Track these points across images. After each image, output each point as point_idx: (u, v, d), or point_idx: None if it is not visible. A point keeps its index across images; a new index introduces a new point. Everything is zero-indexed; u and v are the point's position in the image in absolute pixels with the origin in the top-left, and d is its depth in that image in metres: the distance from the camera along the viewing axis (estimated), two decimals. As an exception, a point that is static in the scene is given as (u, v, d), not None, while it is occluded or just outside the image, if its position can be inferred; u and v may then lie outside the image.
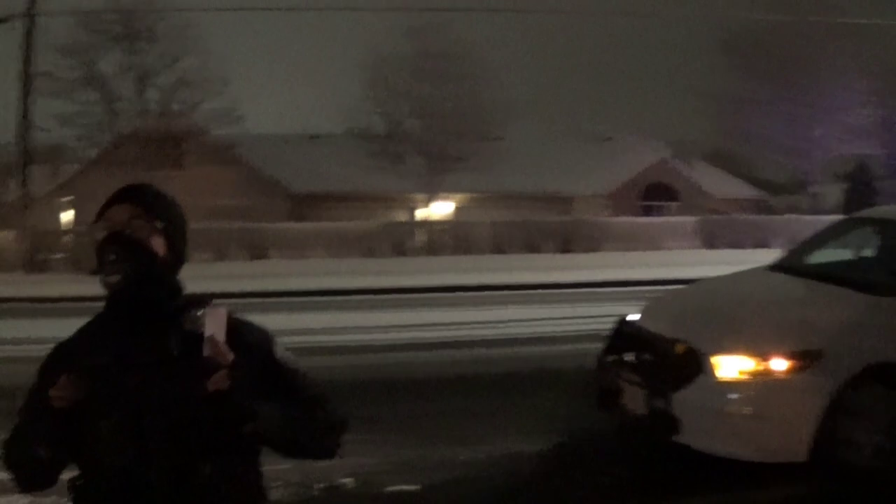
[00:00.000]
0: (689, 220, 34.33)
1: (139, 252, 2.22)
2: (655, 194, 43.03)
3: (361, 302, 19.56)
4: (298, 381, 2.38)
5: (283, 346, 2.42)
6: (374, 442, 7.27)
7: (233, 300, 19.18)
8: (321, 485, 6.13)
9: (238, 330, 2.28)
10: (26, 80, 26.92)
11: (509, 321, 14.87)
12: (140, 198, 2.32)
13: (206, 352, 2.10)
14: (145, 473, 2.13)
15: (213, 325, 2.15)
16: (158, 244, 2.27)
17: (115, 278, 2.20)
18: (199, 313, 2.20)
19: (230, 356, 2.11)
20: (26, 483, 2.35)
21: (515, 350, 11.79)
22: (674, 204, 42.59)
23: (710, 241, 32.59)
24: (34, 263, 25.97)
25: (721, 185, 45.29)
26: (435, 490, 6.14)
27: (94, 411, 2.12)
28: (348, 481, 6.24)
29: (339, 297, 20.50)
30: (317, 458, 2.50)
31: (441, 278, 23.06)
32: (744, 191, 47.07)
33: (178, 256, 2.36)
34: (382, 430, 7.62)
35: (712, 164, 49.76)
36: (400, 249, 30.83)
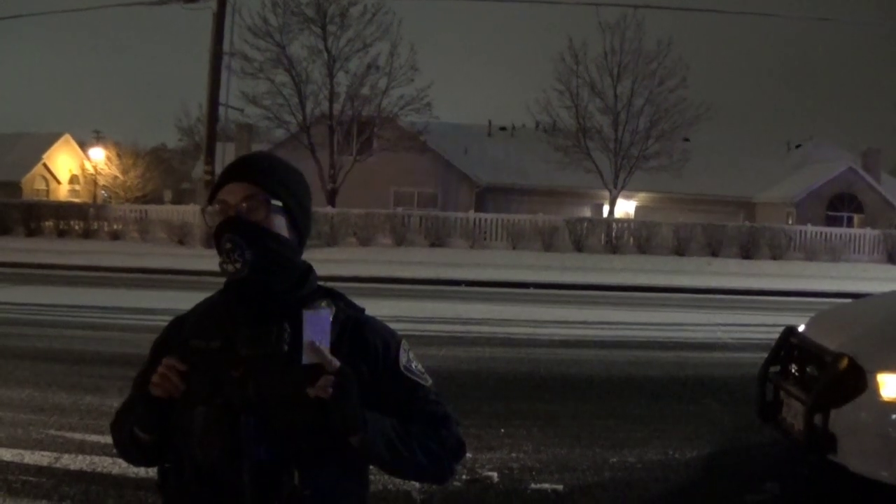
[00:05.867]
0: (873, 232, 32.86)
1: (257, 237, 2.02)
2: (841, 204, 41.24)
3: (537, 295, 19.54)
4: (420, 395, 2.15)
5: (411, 355, 2.19)
6: (526, 437, 7.27)
7: (404, 286, 19.68)
8: (465, 477, 6.12)
9: (360, 331, 2.12)
10: (216, 60, 27.60)
11: (681, 324, 14.56)
12: (254, 173, 2.09)
13: (306, 359, 1.92)
14: (233, 473, 1.96)
15: (314, 329, 1.94)
16: (279, 224, 2.07)
17: (233, 267, 2.01)
18: (306, 313, 1.97)
19: (335, 363, 1.93)
20: (127, 457, 2.27)
21: (682, 355, 11.48)
22: (858, 215, 40.77)
23: (894, 255, 31.28)
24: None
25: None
26: (579, 491, 6.02)
27: (191, 397, 1.99)
28: (493, 475, 6.20)
29: (515, 290, 20.57)
30: (427, 480, 2.29)
31: (619, 277, 22.93)
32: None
33: (301, 236, 2.16)
34: (535, 426, 7.61)
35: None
36: (580, 245, 30.61)
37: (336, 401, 1.91)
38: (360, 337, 2.11)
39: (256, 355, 2.01)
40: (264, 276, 2.03)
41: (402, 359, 2.15)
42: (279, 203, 2.08)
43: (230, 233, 2.02)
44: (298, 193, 2.15)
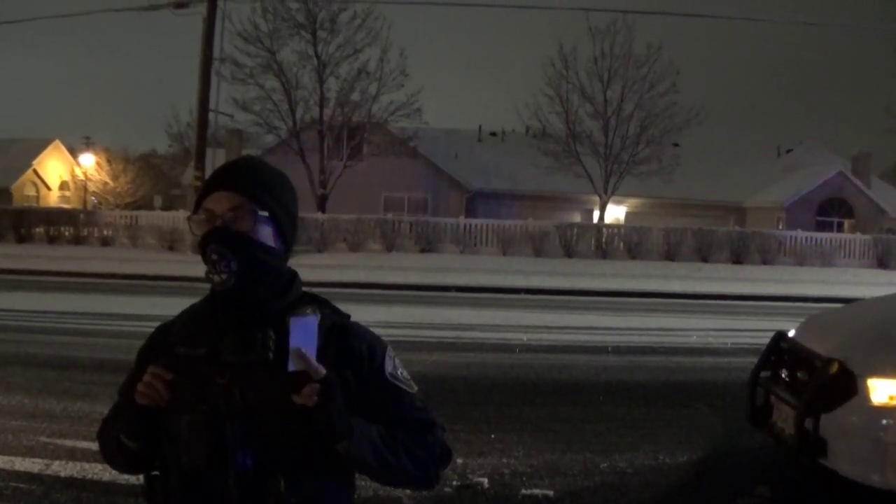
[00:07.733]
0: (863, 237, 32.86)
1: (244, 247, 2.00)
2: (831, 209, 41.39)
3: (527, 301, 19.54)
4: (406, 402, 2.14)
5: (396, 362, 2.18)
6: (516, 443, 7.26)
7: (395, 291, 19.66)
8: (455, 483, 6.13)
9: (346, 337, 2.10)
10: (206, 66, 27.36)
11: (671, 330, 14.58)
12: (241, 182, 2.05)
13: (292, 366, 1.90)
14: (219, 480, 1.95)
15: (300, 336, 1.92)
16: (265, 234, 2.04)
17: (219, 278, 1.99)
18: (292, 320, 1.95)
19: (321, 370, 1.91)
20: (114, 465, 2.23)
21: (672, 359, 11.50)
22: (848, 220, 40.90)
23: (885, 260, 31.28)
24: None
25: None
26: (569, 497, 6.02)
27: (177, 404, 1.97)
28: (483, 481, 6.19)
29: (505, 295, 20.57)
30: (413, 487, 2.28)
31: (609, 282, 22.93)
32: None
33: (287, 244, 2.13)
34: (526, 432, 7.62)
35: (890, 182, 47.87)
36: (570, 251, 30.63)
37: (321, 408, 1.89)
38: (346, 343, 2.09)
39: (242, 362, 1.99)
40: (251, 286, 2.01)
41: (388, 366, 2.14)
42: (266, 213, 2.05)
43: (216, 243, 1.99)
44: (285, 201, 2.12)
